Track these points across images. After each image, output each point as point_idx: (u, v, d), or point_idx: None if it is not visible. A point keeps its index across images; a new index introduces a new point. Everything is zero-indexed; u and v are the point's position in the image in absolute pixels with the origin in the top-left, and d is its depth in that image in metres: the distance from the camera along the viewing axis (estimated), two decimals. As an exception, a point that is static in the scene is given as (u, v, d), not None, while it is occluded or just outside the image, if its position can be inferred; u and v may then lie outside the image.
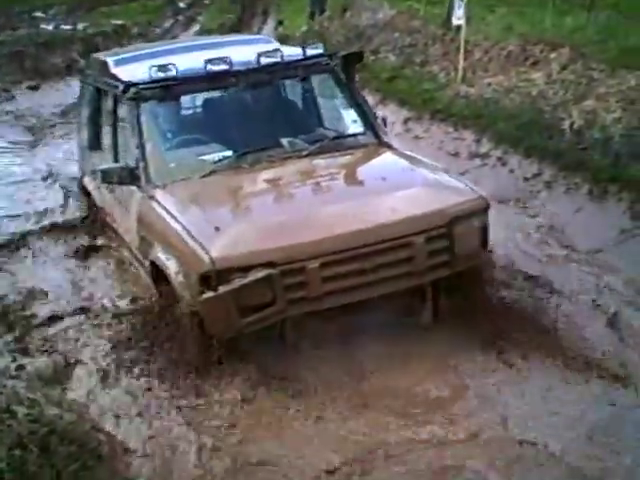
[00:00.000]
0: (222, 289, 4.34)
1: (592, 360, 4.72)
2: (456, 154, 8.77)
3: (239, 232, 4.56)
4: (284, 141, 5.69)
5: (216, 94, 5.86)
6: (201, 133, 5.78)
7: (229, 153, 5.58)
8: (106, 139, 6.59)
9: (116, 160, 6.11)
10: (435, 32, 12.27)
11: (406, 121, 10.13)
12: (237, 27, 17.83)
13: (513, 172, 8.06)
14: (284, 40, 7.54)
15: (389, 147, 5.85)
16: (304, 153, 5.61)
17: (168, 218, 4.91)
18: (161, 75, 5.58)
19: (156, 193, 5.28)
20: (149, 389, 4.70)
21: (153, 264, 5.10)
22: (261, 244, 4.47)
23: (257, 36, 7.35)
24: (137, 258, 5.73)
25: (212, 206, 5.02)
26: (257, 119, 5.87)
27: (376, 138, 5.89)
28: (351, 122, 5.98)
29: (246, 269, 4.43)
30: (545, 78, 9.71)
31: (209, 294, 4.34)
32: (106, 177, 5.49)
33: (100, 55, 7.23)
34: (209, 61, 5.63)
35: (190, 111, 6.00)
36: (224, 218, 4.73)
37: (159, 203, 5.15)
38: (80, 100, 7.61)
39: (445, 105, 9.96)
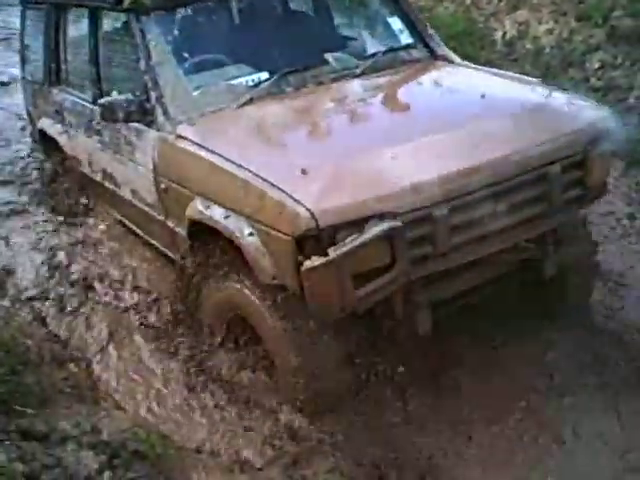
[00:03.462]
0: (333, 253, 2.98)
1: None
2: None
3: (338, 174, 3.23)
4: (329, 57, 4.29)
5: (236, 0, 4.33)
6: (223, 51, 4.36)
7: (265, 75, 4.17)
8: (76, 70, 5.01)
9: (100, 94, 4.55)
10: None
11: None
12: None
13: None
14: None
15: (449, 61, 4.50)
16: (357, 71, 4.22)
17: (219, 161, 3.51)
18: None
19: (184, 130, 3.86)
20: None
21: (194, 224, 3.66)
22: (374, 188, 3.16)
23: None
24: (153, 219, 4.24)
25: (278, 142, 3.64)
26: (291, 30, 4.53)
27: (429, 51, 4.54)
28: (398, 32, 4.59)
29: (356, 224, 3.07)
30: (480, -14, 9.22)
31: (316, 261, 2.99)
32: (108, 113, 4.01)
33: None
34: None
35: (205, 24, 4.48)
36: (306, 157, 3.35)
37: (194, 143, 3.75)
38: (23, 26, 5.88)
39: (378, 12, 8.96)
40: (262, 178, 3.31)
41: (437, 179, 3.23)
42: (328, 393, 3.56)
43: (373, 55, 4.44)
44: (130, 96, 4.07)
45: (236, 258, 3.56)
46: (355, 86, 4.16)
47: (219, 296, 3.76)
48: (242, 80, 4.18)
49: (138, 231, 4.78)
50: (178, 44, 4.24)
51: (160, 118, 4.00)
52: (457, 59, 4.61)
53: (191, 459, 3.38)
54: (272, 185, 3.25)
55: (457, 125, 3.54)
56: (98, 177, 5.00)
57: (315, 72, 4.24)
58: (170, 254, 4.36)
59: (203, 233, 3.75)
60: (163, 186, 4.01)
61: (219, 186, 3.54)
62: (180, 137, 3.86)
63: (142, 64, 4.11)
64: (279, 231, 3.18)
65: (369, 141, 3.49)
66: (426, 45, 4.63)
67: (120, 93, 4.24)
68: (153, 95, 4.04)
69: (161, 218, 4.19)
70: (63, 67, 5.30)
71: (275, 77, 4.14)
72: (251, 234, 3.32)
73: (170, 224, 4.11)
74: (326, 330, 3.46)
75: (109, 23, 4.68)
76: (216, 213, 3.51)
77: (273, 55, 4.31)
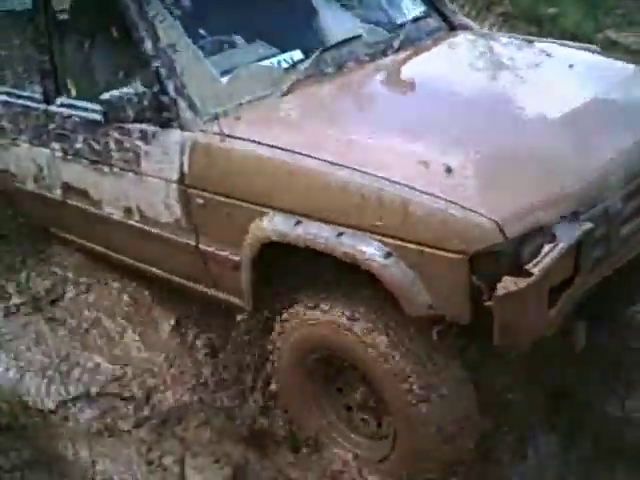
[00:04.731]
0: (536, 269, 2.27)
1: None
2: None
3: (496, 169, 2.51)
4: (361, 30, 3.51)
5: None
6: (237, 27, 3.42)
7: (297, 54, 3.31)
8: (8, 60, 3.89)
9: (56, 90, 3.51)
10: None
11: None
12: None
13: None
14: None
15: (471, 29, 3.90)
16: (395, 46, 3.49)
17: (314, 165, 2.68)
18: None
19: (234, 128, 2.99)
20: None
21: (266, 249, 2.80)
22: (550, 185, 2.49)
23: None
24: (167, 242, 3.27)
25: (375, 135, 2.81)
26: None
27: (443, 20, 3.89)
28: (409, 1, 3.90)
29: (541, 230, 2.37)
30: None
31: (518, 282, 2.27)
32: (114, 113, 3.01)
33: None
34: None
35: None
36: (430, 150, 2.61)
37: (259, 143, 2.86)
38: None
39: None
40: (393, 182, 2.51)
41: (606, 168, 2.59)
42: (460, 454, 2.82)
43: (400, 26, 3.69)
44: (140, 88, 3.06)
45: (343, 284, 2.74)
46: (410, 62, 3.42)
47: (303, 334, 2.91)
48: (273, 61, 3.29)
49: (127, 259, 3.74)
50: (186, 20, 3.27)
51: (186, 114, 3.07)
52: (476, 27, 3.98)
53: (58, 427, 3.28)
54: (414, 190, 2.47)
55: (582, 100, 2.93)
56: (55, 194, 3.87)
57: (351, 48, 3.44)
58: (193, 285, 3.41)
59: (276, 256, 2.87)
60: (200, 201, 3.07)
61: (320, 196, 2.69)
62: (230, 137, 2.93)
63: (147, 47, 3.14)
64: (443, 249, 2.40)
65: (495, 126, 2.79)
66: (440, 13, 3.94)
67: (86, 89, 3.24)
68: (170, 85, 3.09)
69: (188, 241, 3.23)
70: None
71: (314, 56, 3.29)
72: (389, 255, 2.50)
73: (206, 248, 3.17)
74: (470, 369, 2.74)
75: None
76: (319, 231, 2.65)
77: (298, 30, 3.48)
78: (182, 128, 3.10)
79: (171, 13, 3.23)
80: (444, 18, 3.96)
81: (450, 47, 3.65)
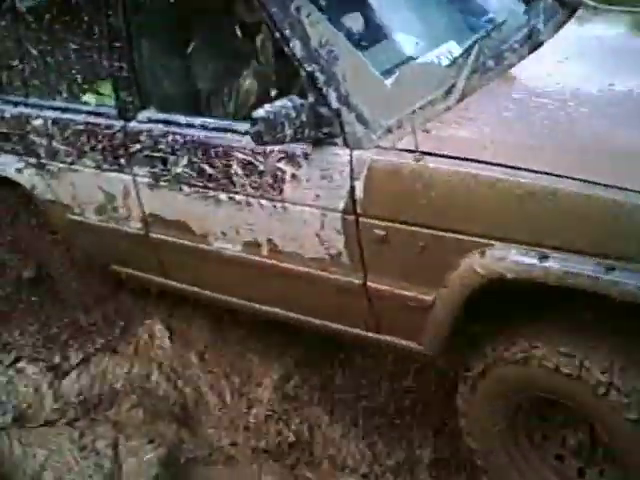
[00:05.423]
0: None
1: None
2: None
3: None
4: (505, 15, 3.03)
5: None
6: (377, 17, 2.83)
7: (454, 47, 2.78)
8: (60, 66, 3.17)
9: (140, 103, 2.86)
10: None
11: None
12: None
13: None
14: None
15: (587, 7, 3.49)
16: (540, 28, 3.07)
17: (566, 185, 2.17)
18: None
19: (429, 143, 2.39)
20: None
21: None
22: None
23: None
24: (316, 281, 2.70)
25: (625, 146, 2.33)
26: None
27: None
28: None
29: None
30: None
31: None
32: (271, 133, 2.38)
33: None
34: None
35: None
36: None
37: (472, 161, 2.31)
38: None
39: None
40: None
41: None
42: None
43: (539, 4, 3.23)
44: (296, 100, 2.46)
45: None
46: (575, 49, 2.96)
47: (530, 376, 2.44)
48: (432, 57, 2.75)
49: (235, 299, 3.13)
50: (326, 11, 2.68)
51: (355, 128, 2.49)
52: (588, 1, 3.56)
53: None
54: None
55: None
56: (130, 227, 3.19)
57: (501, 35, 2.95)
58: (342, 327, 2.87)
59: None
60: (380, 232, 2.51)
61: (579, 224, 2.19)
62: (431, 155, 2.38)
63: (295, 48, 2.52)
64: None
65: None
66: None
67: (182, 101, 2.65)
68: (332, 94, 2.49)
69: (349, 279, 2.67)
70: (15, 63, 3.31)
71: (476, 49, 2.77)
72: None
73: (378, 286, 2.62)
74: None
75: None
76: (580, 266, 2.16)
77: (444, 16, 2.94)
78: (349, 145, 2.50)
79: (314, 4, 2.60)
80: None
81: (599, 28, 3.20)
